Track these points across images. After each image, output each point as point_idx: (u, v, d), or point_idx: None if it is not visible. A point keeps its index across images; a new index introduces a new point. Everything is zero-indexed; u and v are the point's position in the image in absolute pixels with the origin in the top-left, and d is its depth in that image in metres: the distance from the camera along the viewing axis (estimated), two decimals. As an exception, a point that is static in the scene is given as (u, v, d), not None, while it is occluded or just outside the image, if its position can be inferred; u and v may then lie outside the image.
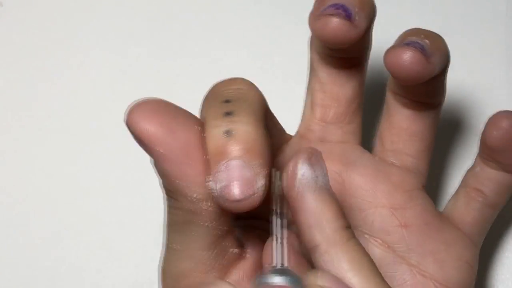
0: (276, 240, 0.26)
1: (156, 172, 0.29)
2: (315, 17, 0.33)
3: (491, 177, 0.37)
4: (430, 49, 0.33)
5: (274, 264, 0.26)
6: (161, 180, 0.29)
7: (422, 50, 0.33)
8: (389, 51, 0.33)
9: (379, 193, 0.36)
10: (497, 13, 0.46)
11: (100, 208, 0.44)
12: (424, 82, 0.34)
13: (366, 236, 0.35)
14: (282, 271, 0.25)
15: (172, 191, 0.29)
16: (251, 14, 0.48)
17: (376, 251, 0.35)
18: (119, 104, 0.46)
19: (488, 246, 0.41)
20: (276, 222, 0.27)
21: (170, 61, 0.47)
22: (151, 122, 0.28)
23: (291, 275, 0.25)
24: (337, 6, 0.33)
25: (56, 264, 0.44)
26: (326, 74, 0.36)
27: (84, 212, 0.44)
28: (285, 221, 0.27)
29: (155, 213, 0.44)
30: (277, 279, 0.25)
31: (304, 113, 0.38)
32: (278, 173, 0.27)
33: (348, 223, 0.29)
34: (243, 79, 0.30)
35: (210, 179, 0.27)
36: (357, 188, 0.36)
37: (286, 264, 0.26)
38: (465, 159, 0.43)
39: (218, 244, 0.30)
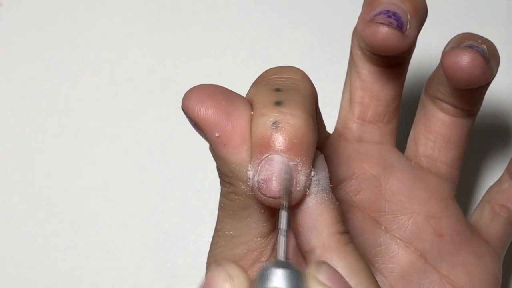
0: (281, 233, 0.26)
1: (213, 156, 0.28)
2: (365, 22, 0.32)
3: None
4: (488, 54, 0.33)
5: (277, 256, 0.26)
6: (217, 165, 0.28)
7: (482, 53, 0.32)
8: (448, 53, 0.32)
9: (415, 199, 0.35)
10: (497, 13, 0.46)
11: (99, 209, 0.44)
12: (472, 88, 0.33)
13: (398, 241, 0.35)
14: (284, 264, 0.25)
15: (229, 176, 0.28)
16: (251, 14, 0.48)
17: (408, 257, 0.35)
18: (119, 104, 0.46)
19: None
20: (282, 215, 0.26)
21: (170, 61, 0.47)
22: (207, 106, 0.27)
23: (292, 268, 0.25)
24: (389, 14, 0.32)
25: (56, 264, 0.44)
26: (368, 72, 0.35)
27: (84, 212, 0.44)
28: (290, 215, 0.27)
29: (155, 213, 0.44)
30: (278, 272, 0.25)
31: (341, 110, 0.37)
32: (287, 166, 0.27)
33: (346, 228, 0.28)
34: (296, 68, 0.29)
35: (250, 166, 0.27)
36: (393, 193, 0.35)
37: (289, 257, 0.26)
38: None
39: (274, 232, 0.29)
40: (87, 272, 0.43)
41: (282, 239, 0.26)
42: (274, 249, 0.29)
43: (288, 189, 0.26)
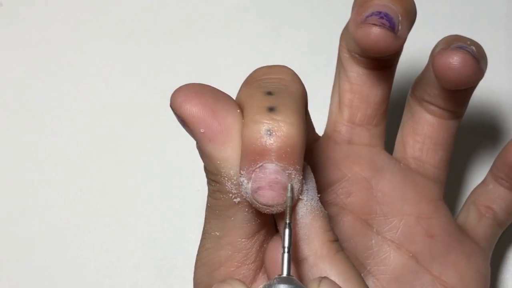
0: (284, 250, 0.26)
1: (200, 154, 0.29)
2: (357, 24, 0.32)
3: (503, 196, 0.38)
4: (478, 55, 0.33)
5: (281, 273, 0.26)
6: (203, 163, 0.29)
7: (472, 54, 0.33)
8: (439, 54, 0.33)
9: (406, 201, 0.36)
10: (497, 13, 0.46)
11: (99, 209, 0.44)
12: (460, 90, 0.34)
13: (390, 243, 0.35)
14: (287, 280, 0.26)
15: (214, 174, 0.28)
16: (251, 15, 0.48)
17: (400, 259, 0.35)
18: (119, 104, 0.47)
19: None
20: (284, 233, 0.27)
21: (170, 61, 0.47)
22: (193, 104, 0.28)
23: (295, 284, 0.25)
24: (380, 15, 0.32)
25: (56, 264, 0.44)
26: (357, 74, 0.35)
27: (84, 212, 0.44)
28: (291, 232, 0.27)
29: (155, 213, 0.44)
30: (282, 287, 0.25)
31: (330, 113, 0.37)
32: (290, 185, 0.27)
33: (336, 236, 0.28)
34: (286, 68, 0.29)
35: (243, 173, 0.27)
36: (384, 195, 0.35)
37: (291, 273, 0.26)
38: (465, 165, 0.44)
39: (259, 233, 0.29)
40: (87, 272, 0.43)
41: (285, 256, 0.26)
42: (259, 251, 0.30)
43: (291, 207, 0.27)
